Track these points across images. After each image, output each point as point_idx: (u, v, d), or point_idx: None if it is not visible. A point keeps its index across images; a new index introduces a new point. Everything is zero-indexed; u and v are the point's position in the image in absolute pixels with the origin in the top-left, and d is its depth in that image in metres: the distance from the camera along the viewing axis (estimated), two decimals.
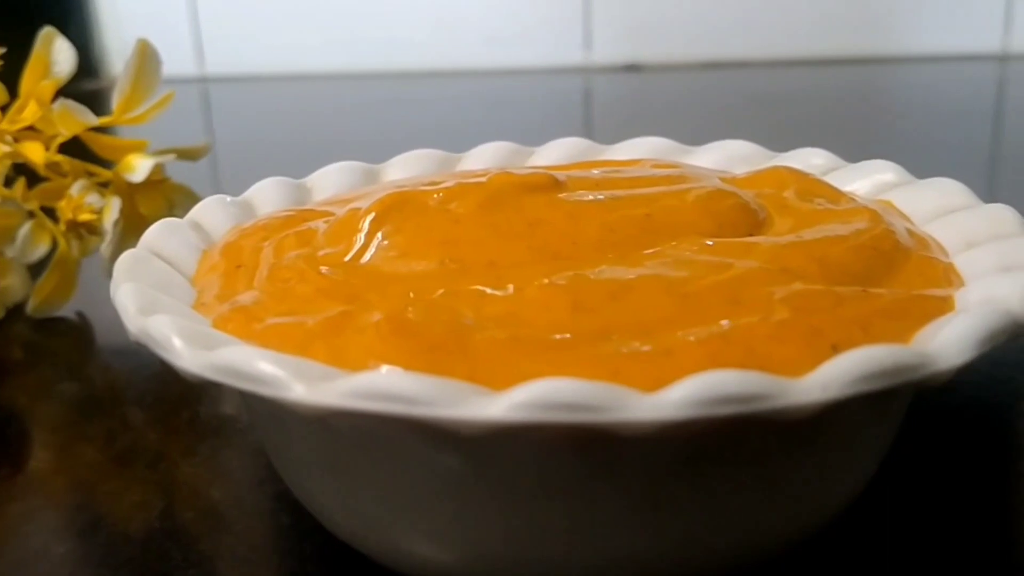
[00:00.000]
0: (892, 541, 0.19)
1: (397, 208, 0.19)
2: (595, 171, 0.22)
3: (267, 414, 0.17)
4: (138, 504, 0.22)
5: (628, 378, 0.14)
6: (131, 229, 0.31)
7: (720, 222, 0.19)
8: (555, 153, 0.27)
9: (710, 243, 0.18)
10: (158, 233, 0.20)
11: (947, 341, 0.14)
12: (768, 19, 0.82)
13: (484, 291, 0.17)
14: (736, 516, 0.15)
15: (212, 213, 0.22)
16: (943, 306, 0.17)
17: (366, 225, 0.19)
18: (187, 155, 0.32)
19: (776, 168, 0.23)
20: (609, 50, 0.82)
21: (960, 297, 0.17)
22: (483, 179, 0.20)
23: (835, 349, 0.15)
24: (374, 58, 0.81)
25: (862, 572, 0.19)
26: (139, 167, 0.30)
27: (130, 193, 0.31)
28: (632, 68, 0.82)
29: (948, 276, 0.18)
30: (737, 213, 0.20)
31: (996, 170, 0.51)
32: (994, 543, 0.19)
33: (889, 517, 0.20)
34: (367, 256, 0.18)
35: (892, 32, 0.82)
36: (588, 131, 0.66)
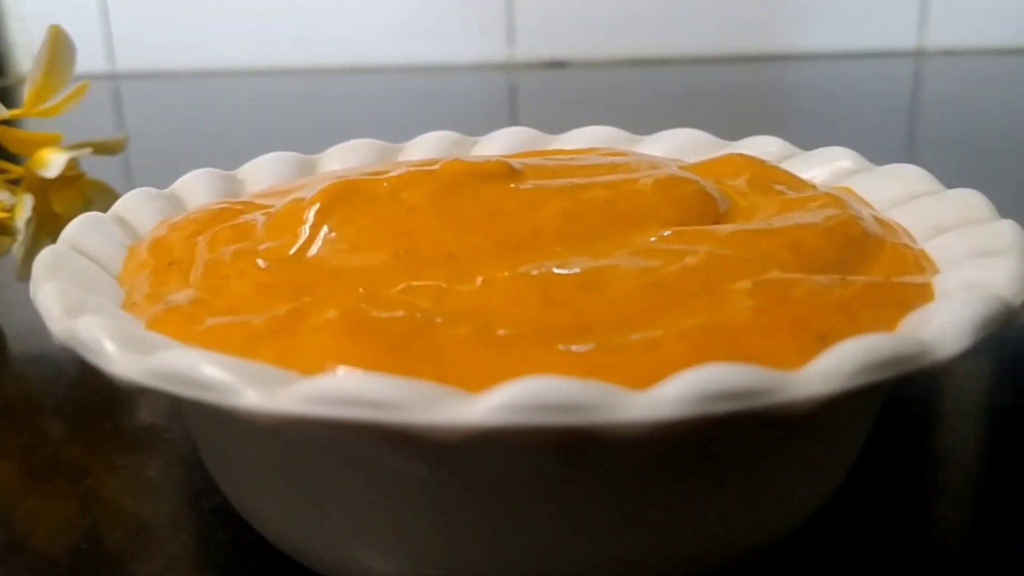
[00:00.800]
0: (869, 532, 0.19)
1: (344, 197, 0.17)
2: (550, 159, 0.21)
3: (208, 422, 0.15)
4: (62, 523, 0.20)
5: (611, 375, 0.13)
6: (45, 228, 0.28)
7: (683, 209, 0.18)
8: (500, 143, 0.25)
9: (674, 232, 0.17)
10: (80, 228, 0.18)
11: (944, 329, 0.13)
12: (691, 16, 0.82)
13: (444, 285, 0.15)
14: (720, 515, 0.15)
15: (137, 207, 0.20)
16: (923, 293, 0.16)
17: (311, 216, 0.17)
18: (104, 149, 0.30)
19: (732, 155, 0.22)
20: (533, 46, 0.81)
21: (938, 284, 0.16)
22: (435, 167, 0.19)
23: (823, 339, 0.14)
24: (291, 54, 0.79)
25: (843, 566, 0.18)
26: (53, 162, 0.28)
27: (43, 190, 0.29)
28: (556, 64, 0.81)
29: (920, 262, 0.18)
30: (700, 200, 0.19)
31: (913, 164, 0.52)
32: (948, 533, 0.19)
33: (873, 506, 0.19)
34: (313, 249, 0.17)
35: (811, 29, 0.83)
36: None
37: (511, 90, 0.78)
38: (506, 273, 0.15)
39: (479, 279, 0.15)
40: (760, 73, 0.80)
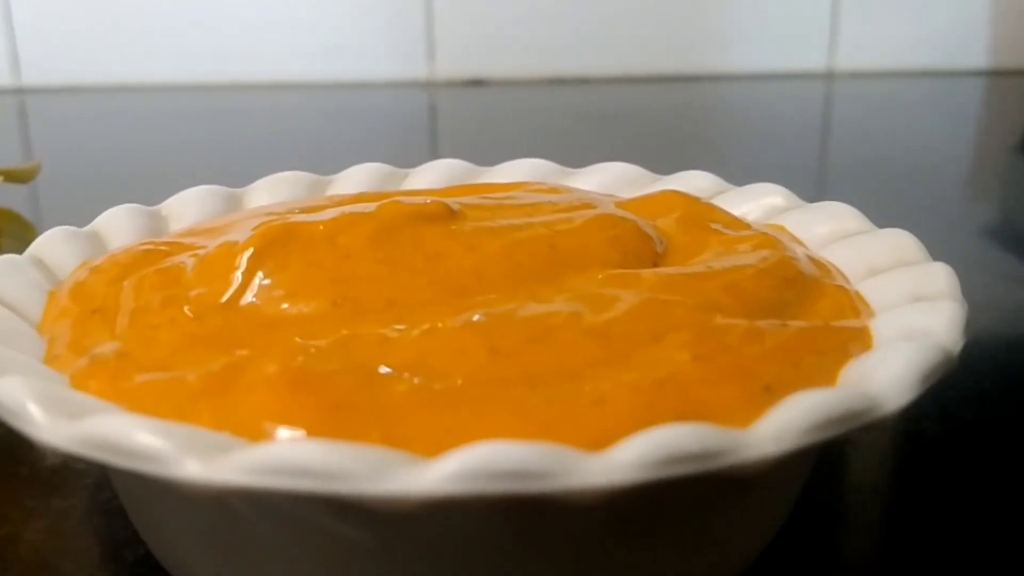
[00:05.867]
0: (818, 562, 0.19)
1: (280, 242, 0.17)
2: (488, 197, 0.20)
3: (139, 487, 0.15)
4: None
5: (562, 432, 0.13)
6: None
7: (623, 251, 0.18)
8: (432, 175, 0.25)
9: (615, 275, 0.17)
10: None
11: (890, 381, 0.13)
12: (608, 36, 0.83)
13: (387, 335, 0.15)
14: (669, 566, 0.14)
15: (56, 247, 0.19)
16: (862, 337, 0.16)
17: (244, 261, 0.17)
18: (15, 177, 0.29)
19: (667, 192, 0.22)
20: (453, 64, 0.81)
21: (876, 328, 0.17)
22: (370, 208, 0.18)
23: (769, 390, 0.14)
24: (206, 69, 0.77)
25: None
26: None
27: None
28: (476, 83, 0.81)
29: (856, 305, 0.18)
30: (638, 241, 0.19)
31: (823, 186, 0.53)
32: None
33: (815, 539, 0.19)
34: (247, 297, 0.16)
35: (725, 50, 0.85)
36: (434, 145, 0.64)
37: (431, 108, 0.78)
38: (450, 321, 0.15)
39: (422, 327, 0.15)
40: (675, 94, 0.81)
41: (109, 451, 0.12)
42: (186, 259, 0.18)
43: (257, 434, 0.13)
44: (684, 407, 0.13)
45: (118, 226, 0.21)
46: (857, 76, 0.84)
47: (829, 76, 0.85)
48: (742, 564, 0.16)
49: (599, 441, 0.13)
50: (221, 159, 0.57)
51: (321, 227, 0.17)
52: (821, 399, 0.12)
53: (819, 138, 0.68)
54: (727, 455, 0.12)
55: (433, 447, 0.12)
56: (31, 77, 0.74)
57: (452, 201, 0.19)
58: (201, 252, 0.18)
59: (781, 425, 0.12)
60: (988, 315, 0.31)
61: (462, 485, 0.11)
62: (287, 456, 0.11)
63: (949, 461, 0.23)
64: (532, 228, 0.18)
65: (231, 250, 0.17)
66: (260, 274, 0.16)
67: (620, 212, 0.20)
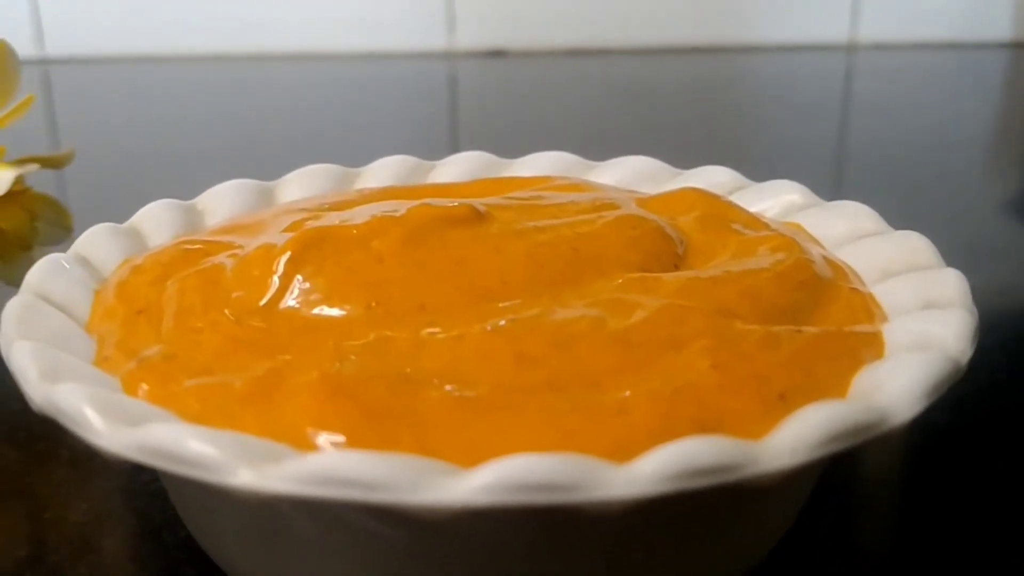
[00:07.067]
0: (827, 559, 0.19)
1: (316, 246, 0.18)
2: (513, 197, 0.21)
3: (186, 483, 0.16)
4: (20, 561, 0.20)
5: (585, 440, 0.14)
6: None
7: (646, 253, 0.19)
8: (457, 168, 0.26)
9: (636, 279, 0.18)
10: (43, 273, 0.18)
11: (898, 394, 0.14)
12: (629, 7, 0.83)
13: (419, 340, 0.16)
14: (686, 565, 0.15)
15: (99, 245, 0.20)
16: (874, 343, 0.17)
17: (281, 265, 0.17)
18: (50, 163, 0.30)
19: (686, 190, 0.22)
20: (473, 35, 0.81)
21: (888, 334, 0.17)
22: (401, 211, 0.19)
23: (783, 399, 0.15)
24: (227, 40, 0.77)
25: None
26: None
27: None
28: (497, 54, 0.81)
29: (870, 308, 0.18)
30: (660, 243, 0.19)
31: (844, 159, 0.53)
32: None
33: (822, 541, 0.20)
34: (286, 300, 0.17)
35: (745, 22, 0.84)
36: (454, 116, 0.65)
37: (451, 79, 0.78)
38: (477, 327, 0.16)
39: (451, 333, 0.16)
40: (696, 65, 0.81)
41: (164, 458, 0.13)
42: (224, 259, 0.19)
43: (300, 439, 0.14)
44: (702, 416, 0.14)
45: (156, 221, 0.22)
46: (879, 48, 0.84)
47: (851, 47, 0.84)
48: (753, 560, 0.17)
49: (621, 448, 0.13)
50: (243, 130, 0.58)
51: (354, 231, 0.18)
52: (833, 413, 0.13)
53: (840, 110, 0.68)
54: (744, 468, 0.12)
55: (464, 453, 0.13)
56: (55, 48, 0.74)
57: (479, 203, 0.20)
58: (239, 252, 0.19)
59: (795, 438, 0.13)
60: (1004, 300, 0.32)
61: (495, 496, 0.12)
62: (334, 467, 0.12)
63: (962, 452, 0.23)
64: (555, 230, 0.19)
65: (268, 253, 0.18)
66: (297, 278, 0.17)
67: (642, 212, 0.20)
